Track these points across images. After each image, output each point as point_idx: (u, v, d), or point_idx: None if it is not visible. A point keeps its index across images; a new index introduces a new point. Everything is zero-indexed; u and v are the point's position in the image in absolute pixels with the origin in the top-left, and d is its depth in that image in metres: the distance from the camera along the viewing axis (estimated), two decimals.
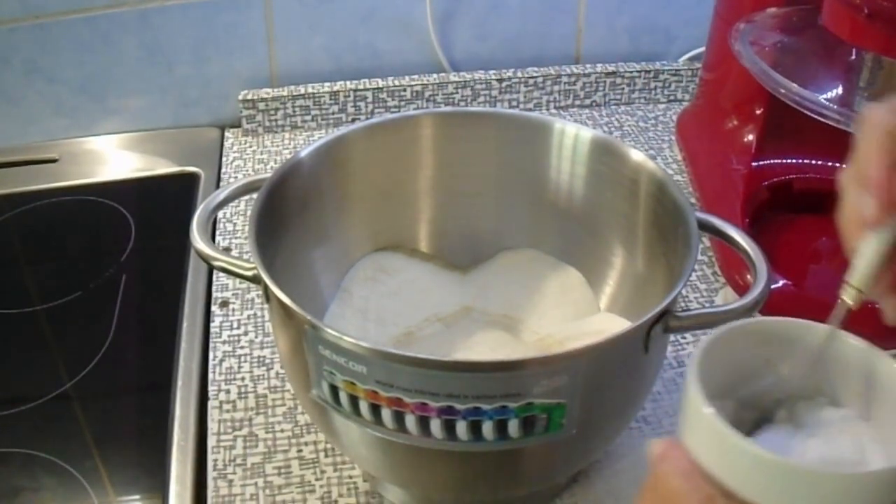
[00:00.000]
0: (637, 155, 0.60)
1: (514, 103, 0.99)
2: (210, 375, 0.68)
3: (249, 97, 0.94)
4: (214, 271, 0.76)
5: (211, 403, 0.66)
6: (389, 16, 0.95)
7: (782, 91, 0.65)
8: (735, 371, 0.44)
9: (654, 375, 0.56)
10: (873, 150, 0.38)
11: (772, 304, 0.66)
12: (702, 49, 0.90)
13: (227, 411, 0.65)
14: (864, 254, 0.40)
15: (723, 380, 0.43)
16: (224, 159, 0.92)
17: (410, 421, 0.48)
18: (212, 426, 0.64)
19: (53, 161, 0.92)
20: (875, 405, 0.43)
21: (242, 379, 0.67)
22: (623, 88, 1.01)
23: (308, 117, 0.96)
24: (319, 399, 0.51)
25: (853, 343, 0.43)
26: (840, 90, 0.69)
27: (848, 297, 0.41)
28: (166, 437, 0.63)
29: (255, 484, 0.60)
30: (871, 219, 0.38)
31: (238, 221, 0.83)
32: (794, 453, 0.41)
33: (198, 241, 0.55)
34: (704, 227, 0.56)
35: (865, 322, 0.66)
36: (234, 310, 0.74)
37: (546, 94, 1.00)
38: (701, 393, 0.39)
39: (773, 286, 0.53)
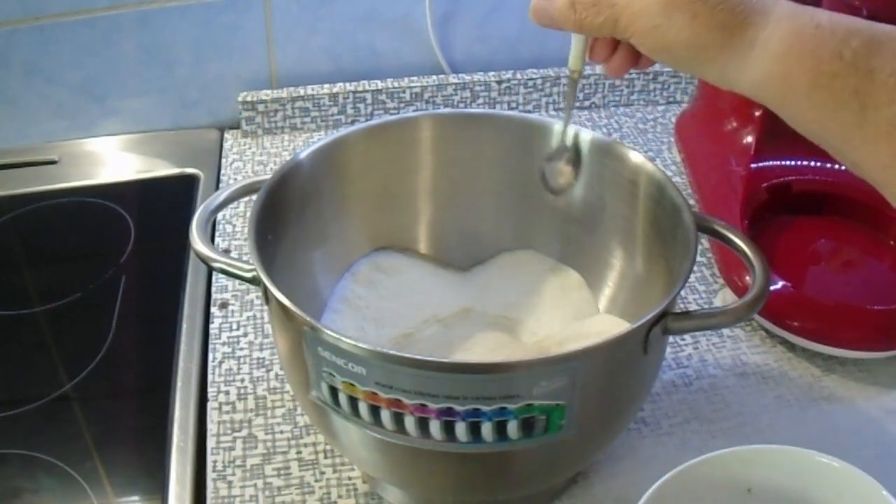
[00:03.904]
0: (636, 156, 0.60)
1: (514, 105, 0.99)
2: (209, 377, 0.68)
3: (249, 99, 0.94)
4: (214, 273, 0.77)
5: (210, 405, 0.66)
6: (389, 17, 0.95)
7: None
8: None
9: (653, 377, 0.56)
10: None
11: (771, 306, 0.66)
12: None
13: (227, 412, 0.65)
14: (574, 44, 0.56)
15: None
16: (223, 161, 0.92)
17: (410, 422, 0.48)
18: (211, 427, 0.64)
19: (53, 162, 0.92)
20: None
21: (242, 380, 0.68)
22: (622, 90, 1.01)
23: (307, 119, 0.96)
24: (319, 400, 0.51)
25: (834, 465, 0.45)
26: None
27: (570, 74, 0.58)
28: (166, 439, 0.63)
29: (255, 485, 0.60)
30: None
31: (237, 223, 0.83)
32: None
33: (197, 242, 0.55)
34: (703, 228, 0.56)
35: (857, 325, 0.67)
36: (233, 311, 0.74)
37: (545, 95, 1.00)
38: None
39: (771, 287, 0.54)
